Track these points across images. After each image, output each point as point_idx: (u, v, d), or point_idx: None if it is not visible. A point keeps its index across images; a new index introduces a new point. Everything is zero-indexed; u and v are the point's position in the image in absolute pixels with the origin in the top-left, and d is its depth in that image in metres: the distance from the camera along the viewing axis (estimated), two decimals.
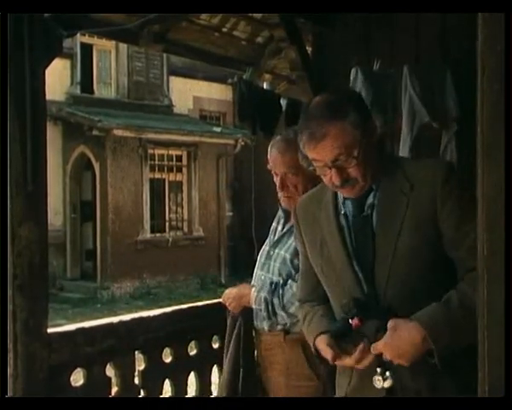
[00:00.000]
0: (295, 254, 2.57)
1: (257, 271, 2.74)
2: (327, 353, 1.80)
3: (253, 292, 2.61)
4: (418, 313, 1.69)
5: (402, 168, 1.81)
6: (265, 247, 2.75)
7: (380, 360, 1.72)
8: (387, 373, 1.73)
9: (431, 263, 1.76)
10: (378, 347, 1.70)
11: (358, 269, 1.81)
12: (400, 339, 1.67)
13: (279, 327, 2.60)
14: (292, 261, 2.57)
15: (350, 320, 1.73)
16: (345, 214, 1.86)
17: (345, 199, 1.87)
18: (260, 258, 2.74)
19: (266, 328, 2.62)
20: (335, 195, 1.89)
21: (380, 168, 1.82)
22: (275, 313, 2.54)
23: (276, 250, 2.65)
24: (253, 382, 2.69)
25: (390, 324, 1.69)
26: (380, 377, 1.73)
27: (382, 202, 1.80)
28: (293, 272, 2.57)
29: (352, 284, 1.81)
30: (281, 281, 2.56)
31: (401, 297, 1.75)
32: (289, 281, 2.53)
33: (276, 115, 3.87)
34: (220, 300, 2.86)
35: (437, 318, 1.67)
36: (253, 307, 2.62)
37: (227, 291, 2.79)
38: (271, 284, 2.58)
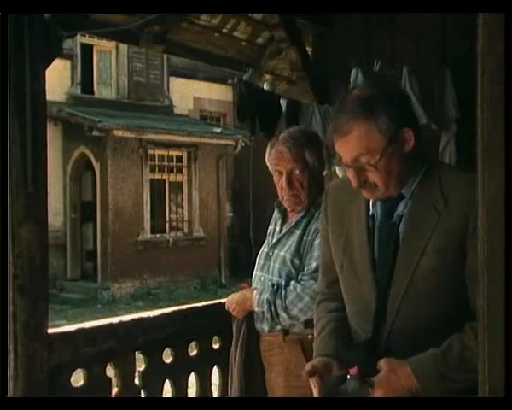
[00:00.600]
0: (295, 254, 2.57)
1: (256, 272, 2.73)
2: (311, 379, 1.76)
3: (255, 295, 2.60)
4: (415, 360, 1.61)
5: (439, 179, 1.68)
6: (264, 248, 2.75)
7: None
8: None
9: (448, 296, 1.65)
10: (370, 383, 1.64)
11: (376, 280, 1.71)
12: (394, 383, 1.61)
13: (278, 328, 2.60)
14: (292, 261, 2.57)
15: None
16: (372, 216, 1.76)
17: (377, 202, 1.75)
18: (259, 260, 2.74)
19: (266, 329, 2.62)
20: None
21: (413, 175, 1.71)
22: (277, 315, 2.52)
23: (276, 251, 2.64)
24: (261, 385, 2.67)
25: (386, 365, 1.62)
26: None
27: (412, 214, 1.69)
28: (293, 271, 2.56)
29: (369, 294, 1.72)
30: (283, 282, 2.55)
31: (408, 331, 1.67)
32: (292, 282, 2.52)
33: (276, 116, 3.87)
34: (220, 300, 2.87)
35: (430, 371, 1.59)
36: (256, 309, 2.60)
37: (230, 297, 2.77)
38: (273, 285, 2.56)
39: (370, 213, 1.77)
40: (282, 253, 2.61)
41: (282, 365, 2.58)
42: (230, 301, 2.74)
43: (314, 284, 2.38)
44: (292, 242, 2.60)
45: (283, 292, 2.50)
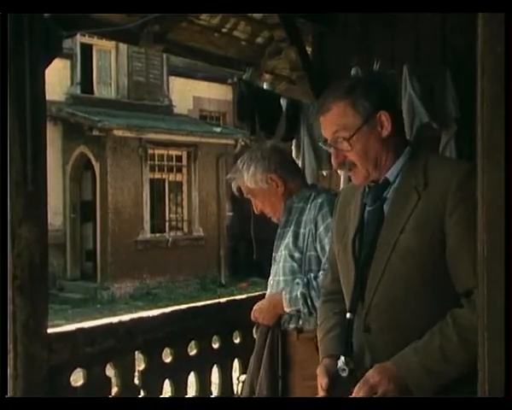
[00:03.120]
0: (293, 248, 2.60)
1: (270, 277, 2.75)
2: (321, 380, 1.80)
3: (285, 295, 2.56)
4: (398, 357, 1.63)
5: (425, 164, 1.74)
6: (273, 253, 2.77)
7: (344, 350, 1.75)
8: (351, 363, 1.73)
9: (428, 275, 1.66)
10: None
11: (358, 264, 1.77)
12: (378, 382, 1.64)
13: (291, 326, 2.59)
14: (292, 256, 2.58)
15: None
16: (365, 204, 1.83)
17: (369, 190, 1.83)
18: (272, 265, 2.76)
19: (296, 328, 2.59)
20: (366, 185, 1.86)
21: (398, 161, 1.77)
22: (314, 306, 2.48)
23: (278, 253, 2.68)
24: (287, 388, 2.61)
25: (374, 378, 1.64)
26: (344, 367, 1.73)
27: (395, 196, 1.75)
28: (295, 265, 2.57)
29: (353, 279, 1.77)
30: (311, 275, 2.53)
31: (386, 310, 1.70)
32: (320, 273, 2.50)
33: (276, 115, 3.87)
34: (219, 300, 2.86)
35: (414, 367, 1.60)
36: (287, 310, 2.56)
37: (256, 307, 2.71)
38: (302, 279, 2.54)
39: (364, 202, 1.84)
40: (282, 252, 2.64)
41: (297, 364, 2.57)
42: (258, 311, 2.69)
43: None
44: (288, 239, 2.63)
45: (314, 283, 2.49)
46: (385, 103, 1.77)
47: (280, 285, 2.63)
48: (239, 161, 2.75)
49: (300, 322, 2.57)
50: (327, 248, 2.48)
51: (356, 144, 1.74)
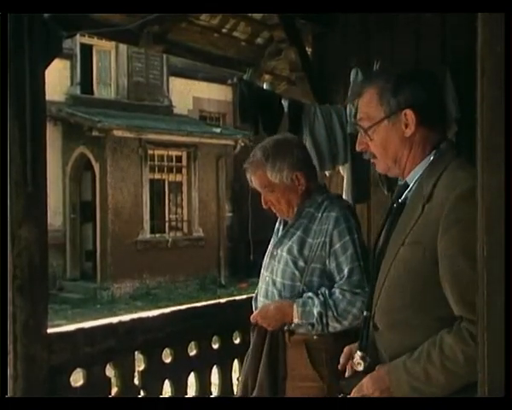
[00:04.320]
0: (298, 256, 2.53)
1: (263, 271, 2.70)
2: (341, 359, 1.91)
3: (297, 307, 2.49)
4: (392, 365, 1.66)
5: (441, 173, 1.64)
6: (270, 247, 2.72)
7: (360, 346, 1.78)
8: (367, 358, 1.76)
9: (421, 290, 1.63)
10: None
11: (374, 264, 1.79)
12: (376, 382, 1.69)
13: (284, 328, 2.57)
14: (295, 263, 2.53)
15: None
16: (393, 204, 1.82)
17: (395, 190, 1.84)
18: (266, 258, 2.71)
19: (285, 329, 2.56)
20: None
21: (421, 167, 1.71)
22: (327, 325, 2.45)
23: (279, 251, 2.62)
24: (283, 389, 2.58)
25: (368, 388, 1.68)
26: (360, 361, 1.76)
27: (408, 203, 1.72)
28: (296, 273, 2.53)
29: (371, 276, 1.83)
30: (326, 291, 2.48)
31: (386, 321, 1.73)
32: (336, 291, 2.46)
33: (278, 116, 3.86)
34: (219, 300, 2.85)
35: (402, 381, 1.61)
36: (297, 321, 2.49)
37: (262, 313, 2.60)
38: (318, 297, 2.47)
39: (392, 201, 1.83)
40: (284, 254, 2.58)
41: (288, 365, 2.54)
42: (263, 316, 2.59)
43: (358, 289, 2.40)
44: (292, 243, 2.57)
45: (331, 302, 2.44)
46: (414, 102, 1.69)
47: (277, 286, 2.59)
48: (260, 152, 2.61)
49: (293, 325, 2.54)
50: (344, 267, 2.47)
51: (375, 137, 1.72)
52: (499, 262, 1.02)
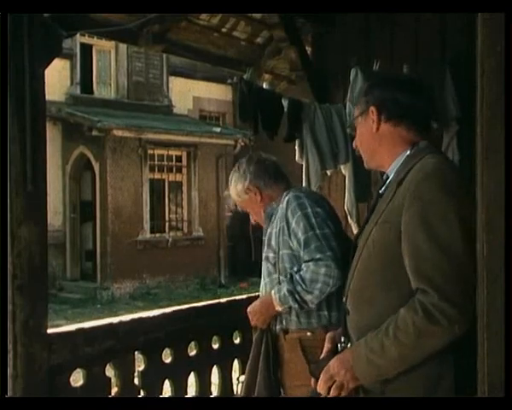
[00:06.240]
0: (268, 249, 2.67)
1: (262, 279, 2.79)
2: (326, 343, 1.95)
3: (274, 295, 2.57)
4: (355, 350, 1.71)
5: (415, 163, 1.73)
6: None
7: (344, 332, 1.83)
8: (349, 345, 1.80)
9: (388, 269, 1.68)
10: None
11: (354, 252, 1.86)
12: (337, 377, 1.74)
13: (278, 327, 2.61)
14: (267, 258, 2.66)
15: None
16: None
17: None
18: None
19: (294, 328, 2.60)
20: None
21: (398, 161, 1.80)
22: (303, 301, 2.49)
23: (264, 254, 2.72)
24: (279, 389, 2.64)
25: (334, 368, 1.74)
26: (340, 346, 1.83)
27: (385, 191, 1.80)
28: (270, 266, 2.65)
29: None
30: (294, 268, 2.54)
31: (356, 302, 1.78)
32: (302, 265, 2.51)
33: (278, 115, 3.86)
34: (219, 300, 2.86)
35: (361, 354, 1.67)
36: (279, 308, 2.56)
37: (250, 309, 2.72)
38: (286, 276, 2.55)
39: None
40: (263, 255, 2.72)
41: (284, 364, 2.58)
42: (252, 312, 2.70)
43: (318, 254, 2.44)
44: (264, 242, 2.73)
45: (297, 277, 2.49)
46: (379, 101, 1.83)
47: (266, 288, 2.69)
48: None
49: (284, 322, 2.59)
50: (302, 241, 2.53)
51: (356, 132, 1.91)
52: (499, 262, 1.02)
